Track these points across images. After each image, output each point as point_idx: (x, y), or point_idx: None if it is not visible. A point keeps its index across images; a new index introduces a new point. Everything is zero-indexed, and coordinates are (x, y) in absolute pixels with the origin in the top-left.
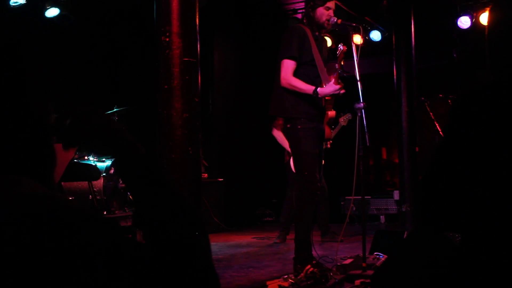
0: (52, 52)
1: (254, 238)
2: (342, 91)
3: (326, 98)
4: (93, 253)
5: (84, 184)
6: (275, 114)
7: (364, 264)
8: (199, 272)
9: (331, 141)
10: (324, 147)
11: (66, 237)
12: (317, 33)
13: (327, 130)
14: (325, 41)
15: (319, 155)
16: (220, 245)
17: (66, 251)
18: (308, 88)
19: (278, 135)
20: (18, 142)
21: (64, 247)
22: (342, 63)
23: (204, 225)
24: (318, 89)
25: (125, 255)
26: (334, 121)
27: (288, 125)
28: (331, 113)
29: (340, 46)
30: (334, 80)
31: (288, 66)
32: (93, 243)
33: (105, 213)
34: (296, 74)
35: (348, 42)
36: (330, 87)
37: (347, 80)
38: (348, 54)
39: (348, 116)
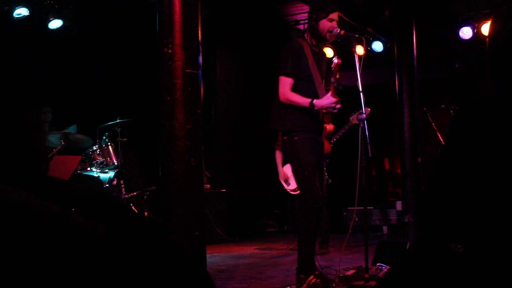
0: (55, 63)
1: (256, 249)
2: (339, 106)
3: (323, 111)
4: (76, 262)
5: None
6: (274, 127)
7: (366, 275)
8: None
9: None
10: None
11: (48, 245)
12: (316, 49)
13: (326, 144)
14: (324, 54)
15: (319, 164)
16: (223, 256)
17: (48, 258)
18: (304, 101)
19: (277, 156)
20: (7, 151)
21: (46, 255)
22: (337, 76)
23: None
24: (315, 101)
25: (106, 262)
26: (332, 135)
27: (285, 137)
28: (329, 127)
29: (335, 59)
30: (331, 92)
31: (285, 82)
32: (76, 253)
33: None
34: (295, 89)
35: (350, 53)
36: (326, 99)
37: (343, 94)
38: (350, 65)
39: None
